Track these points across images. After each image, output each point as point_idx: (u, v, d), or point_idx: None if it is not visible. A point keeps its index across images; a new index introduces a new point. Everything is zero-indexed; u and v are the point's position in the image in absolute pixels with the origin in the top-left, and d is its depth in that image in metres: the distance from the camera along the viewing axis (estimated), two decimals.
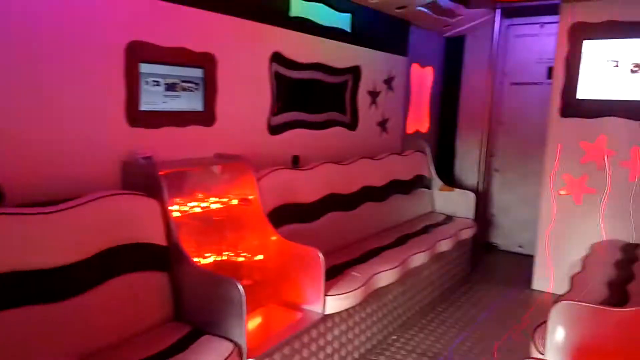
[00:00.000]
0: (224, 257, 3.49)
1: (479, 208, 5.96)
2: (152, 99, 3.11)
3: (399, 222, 5.25)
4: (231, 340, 2.57)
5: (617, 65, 4.83)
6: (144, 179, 2.89)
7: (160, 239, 2.82)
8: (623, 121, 4.81)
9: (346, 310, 3.45)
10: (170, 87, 3.22)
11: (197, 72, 3.40)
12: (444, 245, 4.77)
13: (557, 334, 2.60)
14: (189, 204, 3.28)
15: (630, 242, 4.79)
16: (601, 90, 4.91)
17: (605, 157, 4.94)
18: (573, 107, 5.06)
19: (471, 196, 5.76)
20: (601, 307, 2.70)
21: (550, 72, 5.63)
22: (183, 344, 2.51)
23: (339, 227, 4.34)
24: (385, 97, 5.73)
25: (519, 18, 6.26)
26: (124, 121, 2.96)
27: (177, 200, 3.20)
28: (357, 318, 3.68)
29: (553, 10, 5.24)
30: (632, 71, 4.77)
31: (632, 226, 4.85)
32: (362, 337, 3.79)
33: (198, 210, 3.32)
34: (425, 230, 5.05)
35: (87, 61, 2.74)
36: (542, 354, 2.73)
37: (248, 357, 2.61)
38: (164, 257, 2.83)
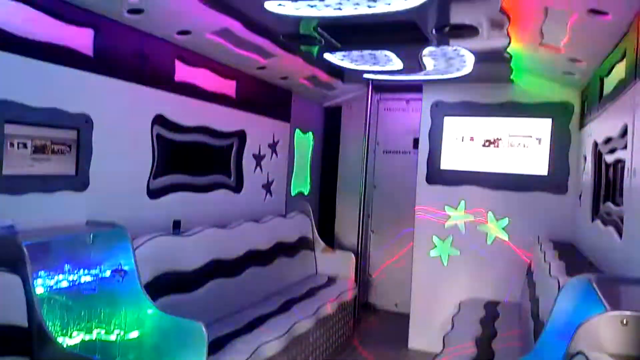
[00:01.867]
0: (94, 336, 3.15)
1: (359, 268, 6.19)
2: (17, 163, 2.82)
3: (284, 286, 5.23)
4: None
5: (472, 140, 5.53)
6: (3, 251, 2.56)
7: (20, 319, 2.48)
8: (479, 189, 5.46)
9: None
10: (39, 149, 2.96)
11: (70, 134, 3.18)
12: (328, 309, 4.84)
13: None
14: (55, 277, 2.95)
15: (490, 299, 5.29)
16: (461, 161, 5.56)
17: (464, 221, 5.52)
18: (437, 176, 5.63)
19: (351, 257, 5.97)
20: None
21: (415, 142, 6.23)
22: None
23: (223, 294, 4.19)
24: (270, 161, 5.84)
25: (388, 94, 6.90)
26: None
27: (42, 273, 2.86)
28: None
29: (417, 88, 5.89)
30: (484, 145, 5.49)
31: (490, 285, 5.39)
32: None
33: (65, 284, 3.00)
34: (310, 293, 5.09)
35: None
36: None
37: None
38: (24, 340, 2.47)
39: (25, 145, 2.87)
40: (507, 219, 5.40)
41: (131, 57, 3.66)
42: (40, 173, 2.99)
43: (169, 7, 3.34)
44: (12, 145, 2.79)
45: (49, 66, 3.02)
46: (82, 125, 3.25)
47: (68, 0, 3.07)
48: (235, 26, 3.81)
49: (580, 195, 4.79)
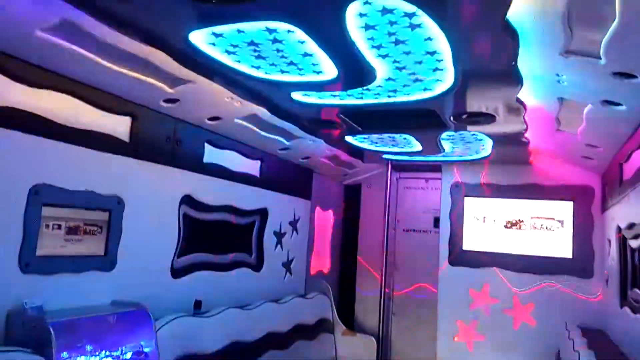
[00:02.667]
0: None
1: (380, 353, 5.99)
2: (51, 243, 2.93)
3: None
4: None
5: (494, 221, 5.53)
6: (30, 331, 2.60)
7: None
8: (504, 272, 5.37)
9: None
10: (72, 230, 3.07)
11: (102, 215, 3.31)
12: None
13: None
14: (77, 358, 2.94)
15: None
16: (483, 242, 5.52)
17: (489, 305, 5.38)
18: (460, 257, 5.58)
19: (372, 342, 5.80)
20: None
21: (436, 221, 6.23)
22: None
23: None
24: (291, 238, 5.88)
25: (407, 172, 7.02)
26: (15, 267, 2.72)
27: (64, 354, 2.86)
28: None
29: (436, 168, 6.00)
30: (506, 227, 5.48)
31: None
32: None
33: None
34: None
35: None
36: None
37: None
38: None
39: (59, 227, 2.98)
40: (533, 303, 5.25)
41: (164, 141, 3.86)
42: (72, 254, 3.08)
43: (203, 97, 3.56)
44: (47, 226, 2.90)
45: (87, 151, 3.20)
46: (114, 206, 3.38)
47: (111, 92, 3.30)
48: (262, 112, 4.02)
49: (607, 280, 4.68)
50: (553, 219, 5.33)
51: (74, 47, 2.62)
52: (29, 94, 2.82)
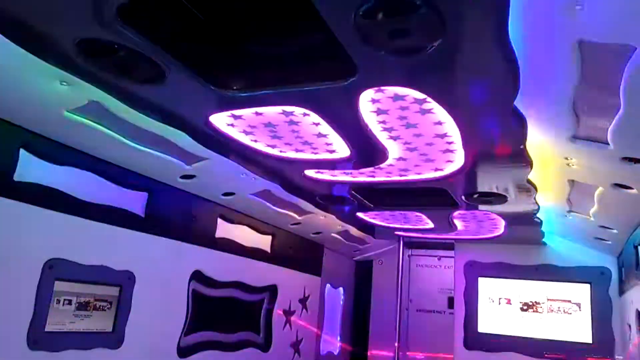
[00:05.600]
0: None
1: None
2: (60, 319, 2.89)
3: None
4: None
5: (509, 303, 5.38)
6: None
7: None
8: (522, 357, 5.15)
9: None
10: (83, 306, 3.05)
11: (113, 291, 3.29)
12: None
13: None
14: None
15: None
16: (499, 325, 5.34)
17: None
18: (476, 340, 5.38)
19: None
20: None
21: (450, 301, 6.07)
22: None
23: None
24: (300, 317, 5.74)
25: (420, 249, 6.94)
26: (23, 343, 2.68)
27: None
28: None
29: (449, 246, 5.94)
30: (522, 309, 5.32)
31: None
32: None
33: None
34: None
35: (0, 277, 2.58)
36: None
37: None
38: None
39: (70, 302, 2.97)
40: None
41: (178, 216, 3.91)
42: (80, 329, 3.04)
43: (218, 174, 3.65)
44: (58, 301, 2.88)
45: (102, 226, 3.24)
46: (125, 281, 3.37)
47: (129, 168, 3.40)
48: (275, 188, 4.09)
49: None
50: (570, 301, 5.18)
51: (99, 127, 2.75)
52: (50, 170, 2.91)
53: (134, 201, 3.52)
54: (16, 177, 2.70)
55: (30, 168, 2.77)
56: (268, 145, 3.17)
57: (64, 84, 2.26)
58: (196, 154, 3.28)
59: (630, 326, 4.37)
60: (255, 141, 3.10)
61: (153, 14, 1.98)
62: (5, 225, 2.63)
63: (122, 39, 1.93)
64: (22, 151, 2.73)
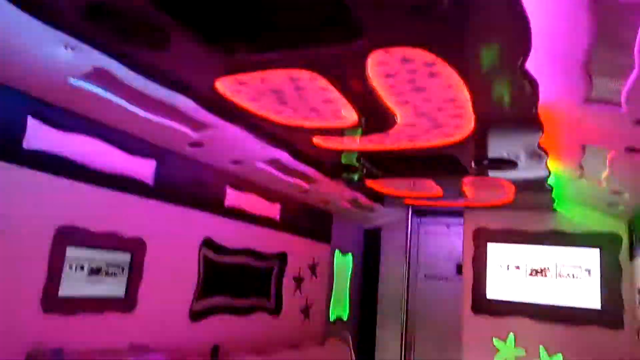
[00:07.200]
0: None
1: None
2: (74, 284, 2.96)
3: None
4: None
5: (518, 268, 5.39)
6: None
7: None
8: (529, 321, 5.19)
9: None
10: (95, 271, 3.10)
11: (124, 257, 3.34)
12: None
13: None
14: None
15: None
16: (507, 291, 5.37)
17: (515, 356, 5.17)
18: (484, 305, 5.42)
19: None
20: None
21: (458, 268, 6.10)
22: None
23: None
24: (309, 283, 5.81)
25: (429, 217, 6.95)
26: (37, 307, 2.75)
27: None
28: None
29: (458, 213, 5.93)
30: (531, 275, 5.33)
31: None
32: None
33: None
34: None
35: (12, 243, 2.63)
36: None
37: None
38: None
39: (82, 268, 3.02)
40: (560, 355, 5.03)
41: (187, 184, 3.94)
42: (93, 295, 3.11)
43: (227, 141, 3.64)
44: (70, 267, 2.94)
45: (112, 193, 3.28)
46: (136, 248, 3.42)
47: (136, 135, 3.41)
48: (284, 156, 4.08)
49: (638, 332, 4.47)
50: (580, 267, 5.17)
51: (104, 93, 2.74)
52: (59, 137, 2.92)
53: (143, 168, 3.54)
54: (25, 145, 2.72)
55: (40, 135, 2.79)
56: (275, 112, 3.15)
57: (69, 49, 2.24)
58: (203, 120, 3.27)
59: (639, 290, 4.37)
60: (262, 108, 3.07)
61: None
62: (16, 192, 2.67)
63: (127, 2, 1.90)
64: (30, 118, 2.74)
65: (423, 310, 6.75)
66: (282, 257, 5.33)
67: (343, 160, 4.27)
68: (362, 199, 5.89)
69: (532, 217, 5.43)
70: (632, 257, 4.81)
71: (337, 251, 6.55)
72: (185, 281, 3.95)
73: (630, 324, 4.78)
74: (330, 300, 6.31)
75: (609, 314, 4.92)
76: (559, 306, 5.15)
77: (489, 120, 3.04)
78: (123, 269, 3.32)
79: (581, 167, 3.67)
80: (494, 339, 5.31)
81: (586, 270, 5.13)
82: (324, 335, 5.98)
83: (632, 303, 4.78)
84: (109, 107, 2.86)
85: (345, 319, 6.68)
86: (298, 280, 5.62)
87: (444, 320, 6.38)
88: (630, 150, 2.97)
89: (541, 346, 5.11)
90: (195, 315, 4.02)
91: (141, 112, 3.00)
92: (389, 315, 6.79)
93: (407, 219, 6.53)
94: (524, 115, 2.90)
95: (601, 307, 4.98)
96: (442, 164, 4.07)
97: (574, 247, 5.21)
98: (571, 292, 5.14)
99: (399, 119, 3.10)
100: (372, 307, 7.05)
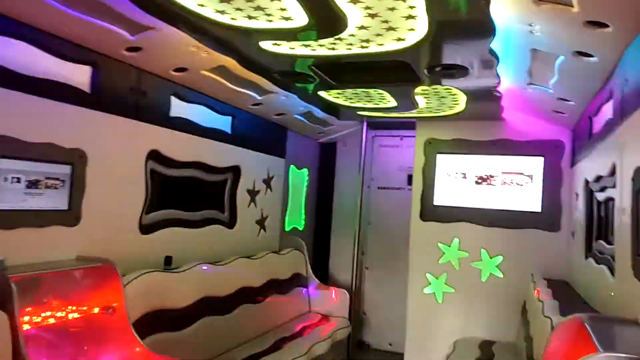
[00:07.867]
0: None
1: (353, 306, 6.11)
2: (10, 197, 2.82)
3: (277, 324, 5.14)
4: None
5: (465, 177, 5.57)
6: None
7: (5, 356, 2.42)
8: (473, 226, 5.47)
9: None
10: (33, 184, 2.96)
11: (64, 169, 3.19)
12: (321, 348, 4.74)
13: None
14: (42, 314, 2.90)
15: (486, 339, 5.21)
16: (454, 198, 5.59)
17: (458, 258, 5.50)
18: (431, 212, 5.65)
19: (345, 295, 5.90)
20: None
21: (410, 179, 6.27)
22: None
23: (213, 333, 4.11)
24: (265, 196, 5.84)
25: (382, 130, 6.98)
26: None
27: (28, 310, 2.82)
28: None
29: (411, 125, 5.97)
30: (477, 182, 5.54)
31: (485, 323, 5.33)
32: None
33: (52, 321, 2.94)
34: (302, 332, 5.00)
35: None
36: None
37: None
38: None
39: (19, 180, 2.87)
40: (500, 256, 5.39)
41: (128, 93, 3.72)
42: (33, 208, 2.99)
43: (166, 46, 3.41)
44: (5, 179, 2.79)
45: (46, 102, 3.06)
46: (76, 160, 3.27)
47: (69, 39, 3.13)
48: (231, 63, 3.88)
49: (573, 233, 4.80)
50: (522, 174, 5.40)
51: None
52: None
53: (78, 75, 3.30)
54: None
55: None
56: (217, 12, 2.93)
57: None
58: (140, 22, 3.02)
59: (577, 194, 4.63)
60: (202, 5, 2.84)
61: None
62: None
63: None
64: None
65: (376, 219, 6.99)
66: (235, 170, 5.28)
67: (295, 68, 4.12)
68: (317, 112, 5.80)
69: (481, 126, 5.53)
70: (573, 163, 5.04)
71: (292, 166, 6.55)
72: (133, 194, 3.86)
73: (566, 226, 5.10)
74: (285, 212, 6.41)
75: (548, 217, 5.22)
76: (501, 210, 5.41)
77: (442, 22, 2.95)
78: (64, 182, 3.18)
79: (530, 73, 3.69)
80: (439, 243, 5.60)
81: (529, 176, 5.36)
82: (279, 246, 6.13)
83: (569, 207, 5.08)
84: (37, 5, 2.58)
85: (301, 229, 6.84)
86: (253, 193, 5.62)
87: (394, 228, 6.64)
88: (579, 54, 2.98)
89: (483, 248, 5.44)
90: (146, 228, 3.99)
91: (73, 13, 2.73)
92: (343, 225, 7.00)
93: (362, 132, 6.53)
94: (476, 18, 2.83)
95: (541, 210, 5.27)
96: (396, 72, 4.00)
97: (519, 156, 5.39)
98: (514, 198, 5.39)
99: (350, 20, 2.96)
100: (327, 218, 7.24)
